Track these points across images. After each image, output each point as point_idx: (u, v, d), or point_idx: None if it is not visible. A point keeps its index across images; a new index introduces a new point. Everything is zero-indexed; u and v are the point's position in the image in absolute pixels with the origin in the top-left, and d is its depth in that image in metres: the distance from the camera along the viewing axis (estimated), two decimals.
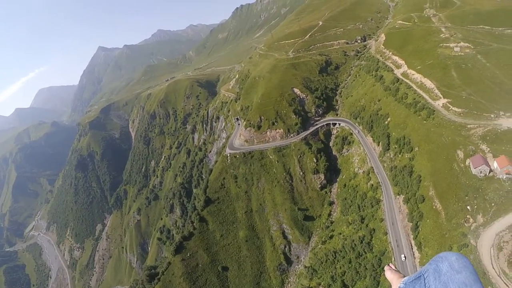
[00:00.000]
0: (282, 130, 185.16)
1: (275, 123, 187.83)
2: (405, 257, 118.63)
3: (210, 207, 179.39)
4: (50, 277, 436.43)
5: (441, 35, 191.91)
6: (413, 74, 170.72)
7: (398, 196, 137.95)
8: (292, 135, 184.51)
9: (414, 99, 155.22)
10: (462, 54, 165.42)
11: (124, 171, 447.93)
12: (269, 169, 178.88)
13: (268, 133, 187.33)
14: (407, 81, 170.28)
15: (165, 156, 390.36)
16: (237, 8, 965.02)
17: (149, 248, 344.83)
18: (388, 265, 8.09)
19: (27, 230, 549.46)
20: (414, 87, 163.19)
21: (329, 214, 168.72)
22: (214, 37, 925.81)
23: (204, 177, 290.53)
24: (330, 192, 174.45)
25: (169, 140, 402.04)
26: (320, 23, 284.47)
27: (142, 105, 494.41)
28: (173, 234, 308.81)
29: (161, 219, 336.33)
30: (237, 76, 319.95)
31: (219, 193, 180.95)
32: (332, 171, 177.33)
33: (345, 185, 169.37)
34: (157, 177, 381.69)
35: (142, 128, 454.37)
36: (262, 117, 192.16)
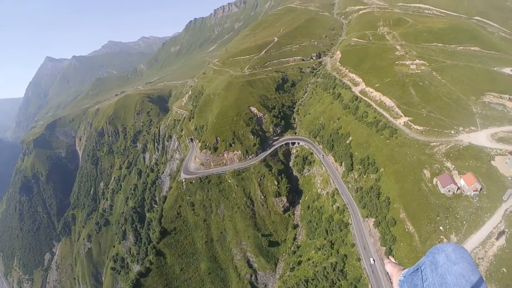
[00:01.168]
0: (240, 151, 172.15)
1: (233, 145, 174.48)
2: (373, 260, 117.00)
3: (167, 238, 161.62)
4: None
5: (397, 53, 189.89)
6: (371, 92, 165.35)
7: (367, 219, 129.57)
8: (250, 156, 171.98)
9: (375, 117, 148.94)
10: (419, 71, 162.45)
11: (72, 193, 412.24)
12: (228, 194, 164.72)
13: (225, 155, 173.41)
14: (366, 99, 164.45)
15: (114, 177, 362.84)
16: (190, 21, 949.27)
17: (103, 279, 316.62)
18: (388, 258, 7.88)
19: None
20: (374, 105, 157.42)
21: (294, 238, 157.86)
22: (166, 50, 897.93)
23: (157, 200, 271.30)
24: (294, 215, 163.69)
25: (119, 159, 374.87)
26: (276, 39, 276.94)
27: (90, 121, 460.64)
28: (127, 263, 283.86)
29: (114, 246, 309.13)
30: (190, 92, 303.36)
31: (175, 223, 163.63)
32: (294, 193, 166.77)
33: (308, 207, 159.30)
34: (107, 200, 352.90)
35: (89, 147, 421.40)
36: (219, 138, 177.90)
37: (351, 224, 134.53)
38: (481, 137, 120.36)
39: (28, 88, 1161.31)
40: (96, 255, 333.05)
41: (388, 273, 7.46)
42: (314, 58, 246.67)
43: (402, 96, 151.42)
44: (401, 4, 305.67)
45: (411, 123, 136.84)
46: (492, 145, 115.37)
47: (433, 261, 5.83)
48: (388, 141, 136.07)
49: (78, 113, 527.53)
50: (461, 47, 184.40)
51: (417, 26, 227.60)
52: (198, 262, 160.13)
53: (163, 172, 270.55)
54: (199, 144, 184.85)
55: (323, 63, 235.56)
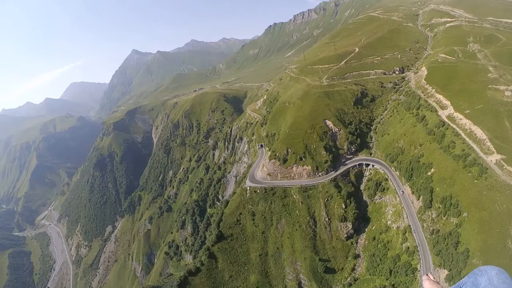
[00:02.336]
0: (310, 167, 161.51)
1: (303, 159, 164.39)
2: None
3: (222, 243, 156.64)
4: (53, 270, 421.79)
5: (489, 75, 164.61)
6: (460, 119, 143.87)
7: (438, 269, 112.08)
8: (320, 174, 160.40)
9: (463, 150, 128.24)
10: None
11: (142, 176, 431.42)
12: (292, 210, 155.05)
13: (294, 168, 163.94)
14: (454, 126, 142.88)
15: (183, 168, 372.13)
16: (270, 26, 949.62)
17: (156, 260, 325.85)
18: (427, 274, 7.57)
19: (39, 218, 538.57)
20: (463, 135, 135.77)
21: (353, 269, 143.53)
22: (245, 52, 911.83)
23: (220, 198, 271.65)
24: (357, 244, 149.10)
25: (190, 152, 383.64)
26: (357, 49, 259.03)
27: (168, 112, 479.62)
28: (181, 251, 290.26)
29: (171, 233, 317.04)
30: (265, 97, 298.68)
31: (233, 229, 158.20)
32: (361, 219, 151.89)
33: (374, 238, 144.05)
34: (173, 188, 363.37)
35: (164, 136, 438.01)
36: (289, 150, 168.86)
37: (419, 270, 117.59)
38: None
39: (114, 76, 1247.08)
40: (154, 237, 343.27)
41: None
42: (397, 72, 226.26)
43: (495, 128, 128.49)
44: (491, 18, 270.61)
45: (503, 163, 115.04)
46: None
47: (475, 283, 5.67)
48: (476, 181, 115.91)
49: (157, 103, 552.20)
50: None
51: (511, 46, 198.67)
52: (248, 273, 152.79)
53: (229, 172, 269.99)
54: (269, 153, 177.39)
55: (406, 79, 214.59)
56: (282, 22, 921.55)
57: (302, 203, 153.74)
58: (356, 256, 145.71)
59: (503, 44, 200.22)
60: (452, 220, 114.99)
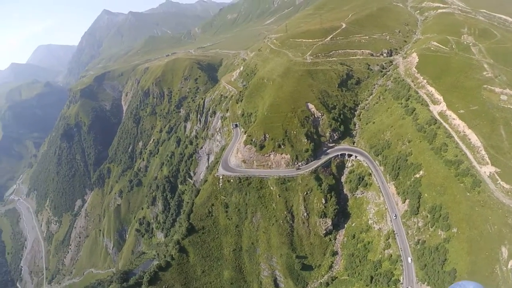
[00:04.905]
0: (289, 155, 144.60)
1: (282, 146, 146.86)
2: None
3: (193, 236, 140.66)
4: (25, 247, 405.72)
5: (484, 73, 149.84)
6: (454, 119, 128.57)
7: (421, 284, 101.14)
8: (300, 163, 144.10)
9: (456, 156, 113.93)
10: (511, 106, 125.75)
11: (111, 147, 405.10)
12: (268, 203, 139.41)
13: (271, 156, 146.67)
14: (446, 125, 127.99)
15: (153, 140, 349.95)
16: None
17: (127, 236, 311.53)
18: None
19: (7, 194, 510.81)
20: (456, 137, 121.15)
21: (330, 267, 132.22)
22: (222, 17, 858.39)
23: (192, 174, 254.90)
24: (335, 240, 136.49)
25: (160, 122, 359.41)
26: (344, 25, 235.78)
27: (138, 78, 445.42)
28: (152, 228, 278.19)
29: (142, 209, 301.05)
30: (241, 68, 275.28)
31: (204, 222, 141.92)
32: (340, 214, 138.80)
33: (354, 236, 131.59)
34: (143, 160, 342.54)
35: (134, 105, 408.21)
36: (267, 135, 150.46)
37: (401, 283, 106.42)
38: None
39: (83, 37, 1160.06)
40: (124, 212, 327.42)
41: None
42: (384, 55, 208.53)
43: (490, 136, 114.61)
44: (485, 11, 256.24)
45: (497, 177, 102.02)
46: None
47: None
48: (468, 194, 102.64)
49: (127, 68, 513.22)
50: None
51: (506, 44, 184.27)
52: (221, 268, 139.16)
53: (201, 148, 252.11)
54: (244, 136, 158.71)
55: (394, 63, 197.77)
56: None
57: (279, 196, 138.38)
58: (334, 253, 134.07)
59: (498, 41, 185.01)
60: (440, 233, 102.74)
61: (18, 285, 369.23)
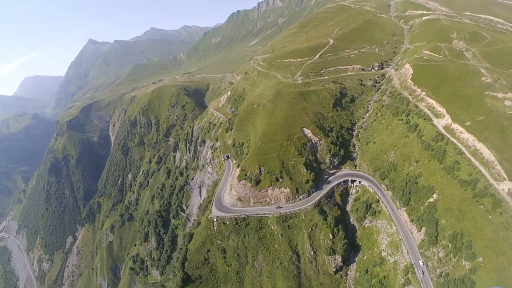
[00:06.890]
0: (288, 189, 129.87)
1: (280, 179, 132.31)
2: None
3: (189, 287, 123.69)
4: (18, 287, 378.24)
5: (483, 79, 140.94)
6: (461, 133, 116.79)
7: None
8: (301, 196, 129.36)
9: (471, 174, 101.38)
10: None
11: (100, 180, 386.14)
12: (270, 245, 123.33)
13: (269, 191, 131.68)
14: (454, 140, 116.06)
15: (143, 171, 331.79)
16: (233, 13, 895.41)
17: (121, 275, 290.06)
18: None
19: None
20: (467, 153, 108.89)
21: None
22: (207, 41, 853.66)
23: (184, 208, 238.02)
24: (346, 276, 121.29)
25: (149, 152, 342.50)
26: (331, 41, 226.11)
27: (125, 108, 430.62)
28: (147, 266, 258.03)
29: (135, 245, 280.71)
30: (229, 93, 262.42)
31: (201, 270, 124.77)
32: (349, 247, 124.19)
33: (367, 271, 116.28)
34: (134, 193, 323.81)
35: (121, 135, 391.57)
36: (263, 169, 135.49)
37: None
38: None
39: (70, 68, 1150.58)
40: (117, 249, 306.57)
41: None
42: (376, 68, 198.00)
43: (503, 148, 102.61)
44: (469, 13, 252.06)
45: None
46: None
47: None
48: (490, 216, 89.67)
49: (114, 98, 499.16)
50: None
51: (498, 45, 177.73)
52: None
53: (192, 179, 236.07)
54: (237, 171, 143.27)
55: (387, 76, 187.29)
56: (246, 10, 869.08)
57: (282, 236, 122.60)
58: None
59: (489, 43, 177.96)
60: (464, 264, 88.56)
61: None
